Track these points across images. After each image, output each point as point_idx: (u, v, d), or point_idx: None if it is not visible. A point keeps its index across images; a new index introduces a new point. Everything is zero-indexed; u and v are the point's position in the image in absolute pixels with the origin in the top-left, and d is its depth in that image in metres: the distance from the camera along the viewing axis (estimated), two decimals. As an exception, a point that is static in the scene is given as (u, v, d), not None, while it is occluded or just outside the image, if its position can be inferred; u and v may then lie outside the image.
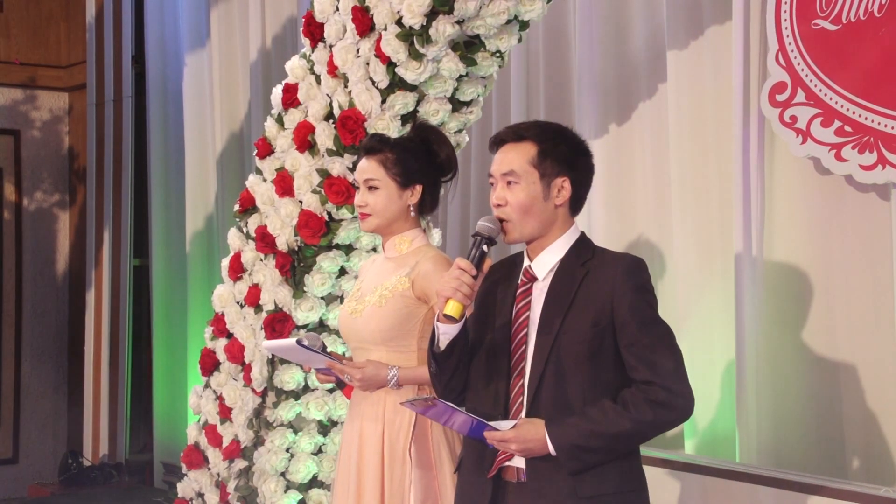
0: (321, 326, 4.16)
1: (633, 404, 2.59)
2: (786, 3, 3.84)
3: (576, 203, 2.76)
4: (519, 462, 2.68)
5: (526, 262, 2.77)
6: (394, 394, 3.22)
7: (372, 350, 3.25)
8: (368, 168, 3.29)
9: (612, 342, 2.64)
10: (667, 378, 2.61)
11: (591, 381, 2.63)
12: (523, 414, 2.66)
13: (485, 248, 2.68)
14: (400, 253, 3.31)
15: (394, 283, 3.24)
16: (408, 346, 3.23)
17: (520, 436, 2.60)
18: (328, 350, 3.33)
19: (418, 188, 3.29)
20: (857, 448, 3.76)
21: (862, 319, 3.77)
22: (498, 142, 2.77)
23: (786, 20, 3.84)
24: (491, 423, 2.62)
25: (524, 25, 3.81)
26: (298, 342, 3.17)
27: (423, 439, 3.20)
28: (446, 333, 2.70)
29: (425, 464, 3.18)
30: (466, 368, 2.76)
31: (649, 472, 3.82)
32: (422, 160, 3.30)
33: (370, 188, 3.28)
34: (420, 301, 3.21)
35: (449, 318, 2.66)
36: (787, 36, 3.83)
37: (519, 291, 2.74)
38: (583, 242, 2.76)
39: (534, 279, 2.74)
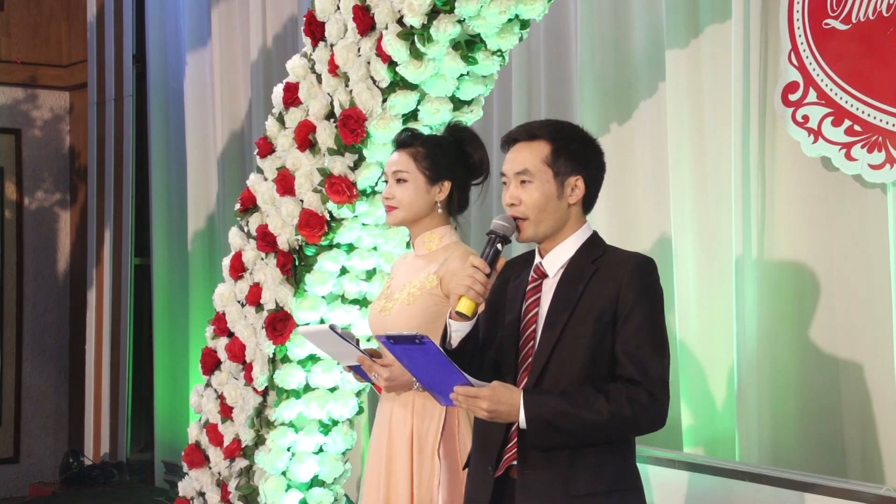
0: (322, 326, 4.16)
1: (614, 398, 2.58)
2: (798, 2, 3.84)
3: (588, 202, 2.78)
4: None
5: (537, 260, 2.78)
6: (422, 395, 3.19)
7: None
8: (399, 160, 3.30)
9: (612, 338, 2.64)
10: (653, 384, 2.61)
11: (591, 376, 2.63)
12: None
13: (499, 246, 2.68)
14: (430, 250, 3.31)
15: (422, 280, 3.24)
16: None
17: (493, 395, 2.58)
18: (361, 347, 3.28)
19: (447, 185, 3.29)
20: (856, 447, 3.76)
21: (862, 319, 3.77)
22: (510, 140, 2.78)
23: (798, 20, 3.84)
24: (467, 377, 2.59)
25: (525, 24, 3.81)
26: (332, 328, 3.14)
27: (450, 440, 3.20)
28: (458, 331, 2.70)
29: (453, 464, 3.18)
30: (477, 366, 2.76)
31: (649, 470, 3.84)
32: (452, 157, 3.31)
33: (398, 180, 3.28)
34: (448, 299, 3.20)
35: (461, 316, 2.66)
36: (800, 36, 3.83)
37: (529, 288, 2.75)
38: (594, 241, 2.77)
39: (544, 276, 2.75)
